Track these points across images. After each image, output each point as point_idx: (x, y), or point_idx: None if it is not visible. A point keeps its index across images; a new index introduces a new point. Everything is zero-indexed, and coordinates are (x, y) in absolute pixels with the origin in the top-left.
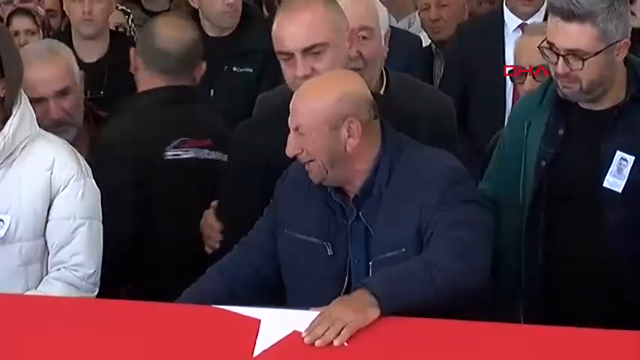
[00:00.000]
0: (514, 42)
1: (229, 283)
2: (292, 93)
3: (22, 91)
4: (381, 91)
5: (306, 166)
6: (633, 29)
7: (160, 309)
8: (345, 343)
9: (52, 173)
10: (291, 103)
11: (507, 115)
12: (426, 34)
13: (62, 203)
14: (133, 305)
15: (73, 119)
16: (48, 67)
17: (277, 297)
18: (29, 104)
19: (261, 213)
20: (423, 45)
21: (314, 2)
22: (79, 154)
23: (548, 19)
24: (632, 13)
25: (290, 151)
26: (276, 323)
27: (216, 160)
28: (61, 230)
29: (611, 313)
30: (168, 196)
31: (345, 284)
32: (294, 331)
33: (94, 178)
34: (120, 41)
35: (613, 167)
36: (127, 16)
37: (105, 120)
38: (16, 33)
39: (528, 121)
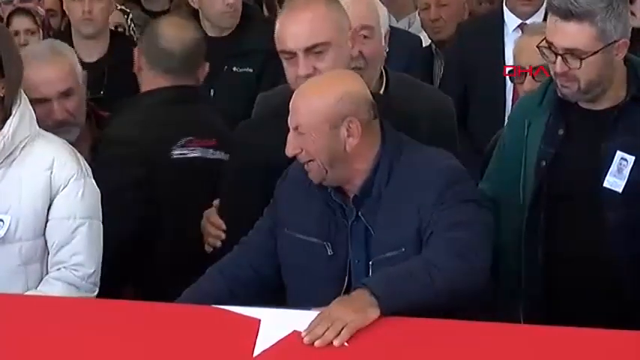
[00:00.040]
0: (514, 42)
1: (229, 283)
2: (292, 93)
3: (22, 91)
4: (381, 91)
5: (306, 165)
6: (633, 29)
7: (160, 309)
8: (346, 343)
9: (51, 173)
10: (290, 103)
11: (507, 115)
12: (425, 34)
13: (62, 203)
14: (133, 305)
15: (76, 120)
16: (51, 67)
17: (277, 297)
18: (29, 104)
19: (261, 213)
20: (423, 45)
21: (316, 2)
22: (78, 154)
23: (548, 19)
24: (632, 13)
25: (290, 151)
26: (276, 323)
27: (220, 160)
28: (61, 230)
29: (611, 313)
30: (172, 195)
31: (345, 284)
32: (294, 331)
33: (99, 176)
34: (120, 41)
35: (613, 167)
36: (125, 16)
37: (107, 120)
38: (16, 33)
39: (528, 121)
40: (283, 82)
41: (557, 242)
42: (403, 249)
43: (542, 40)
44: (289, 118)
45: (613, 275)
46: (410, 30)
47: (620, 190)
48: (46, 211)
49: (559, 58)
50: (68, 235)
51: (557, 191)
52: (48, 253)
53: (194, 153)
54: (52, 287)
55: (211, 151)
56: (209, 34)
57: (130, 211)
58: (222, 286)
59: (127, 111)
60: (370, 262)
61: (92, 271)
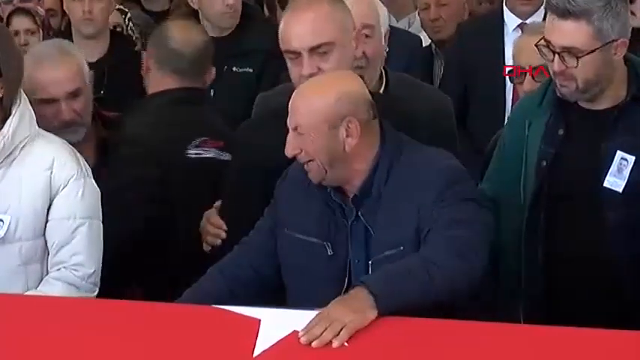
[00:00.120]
0: (514, 41)
1: (229, 283)
2: (293, 93)
3: (22, 91)
4: (381, 91)
5: (306, 165)
6: (633, 29)
7: (160, 309)
8: (345, 343)
9: (51, 173)
10: (290, 103)
11: (507, 114)
12: (425, 34)
13: (62, 203)
14: (133, 305)
15: (83, 120)
16: (60, 67)
17: (277, 297)
18: (29, 104)
19: (262, 213)
20: (423, 45)
21: (321, 2)
22: (78, 154)
23: (546, 18)
24: (632, 13)
25: (289, 151)
26: (276, 323)
27: (227, 162)
28: (61, 230)
29: (611, 313)
30: (185, 195)
31: (345, 284)
32: (294, 331)
33: (112, 176)
34: (120, 41)
35: (613, 167)
36: (123, 16)
37: (112, 120)
38: (16, 33)
39: (529, 121)
40: (283, 82)
41: (557, 242)
42: (402, 247)
43: (541, 39)
44: (288, 119)
45: (613, 275)
46: (410, 30)
47: (620, 190)
48: (45, 211)
49: (556, 56)
50: (68, 235)
51: (557, 191)
52: (48, 254)
53: (208, 153)
54: (52, 287)
55: (220, 152)
56: (209, 34)
57: (142, 211)
58: (222, 286)
59: (138, 112)
60: (370, 262)
61: (92, 271)
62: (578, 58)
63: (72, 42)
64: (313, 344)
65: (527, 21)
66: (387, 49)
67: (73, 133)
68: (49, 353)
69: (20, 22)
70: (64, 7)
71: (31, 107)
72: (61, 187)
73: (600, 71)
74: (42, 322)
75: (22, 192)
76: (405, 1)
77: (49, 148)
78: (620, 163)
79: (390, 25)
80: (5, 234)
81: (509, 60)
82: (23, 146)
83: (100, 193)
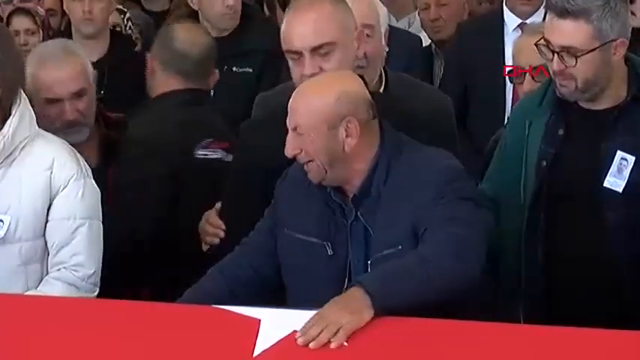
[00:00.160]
0: (514, 41)
1: (230, 283)
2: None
3: (22, 91)
4: (380, 91)
5: (305, 166)
6: (633, 29)
7: (160, 309)
8: (345, 343)
9: (51, 173)
10: (289, 103)
11: (507, 114)
12: (425, 34)
13: (62, 203)
14: (133, 305)
15: (86, 119)
16: (64, 67)
17: (277, 297)
18: (29, 104)
19: (262, 214)
20: (423, 45)
21: (322, 2)
22: (78, 154)
23: (546, 17)
24: (632, 13)
25: (289, 152)
26: (276, 323)
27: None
28: (61, 230)
29: (611, 313)
30: (192, 195)
31: (345, 284)
32: (294, 331)
33: (123, 177)
34: (120, 41)
35: (613, 167)
36: (122, 15)
37: (115, 121)
38: (16, 33)
39: (529, 121)
40: (283, 82)
41: (557, 242)
42: (400, 247)
43: (541, 38)
44: (288, 119)
45: (613, 275)
46: (410, 30)
47: (620, 190)
48: (45, 211)
49: (556, 55)
50: (68, 235)
51: (557, 191)
52: (48, 254)
53: (215, 154)
54: (52, 287)
55: (227, 153)
56: None
57: (152, 211)
58: (222, 286)
59: (143, 114)
60: (369, 261)
61: (92, 271)
62: (577, 57)
63: None
64: (310, 345)
65: (528, 21)
66: (387, 49)
67: (76, 133)
68: (49, 353)
69: (20, 22)
70: (64, 7)
71: (31, 107)
72: (61, 188)
73: (599, 71)
74: (42, 322)
75: (22, 192)
76: (405, 1)
77: (49, 148)
78: (620, 163)
79: (389, 25)
80: (5, 234)
81: (509, 60)
82: (23, 146)
83: (99, 193)
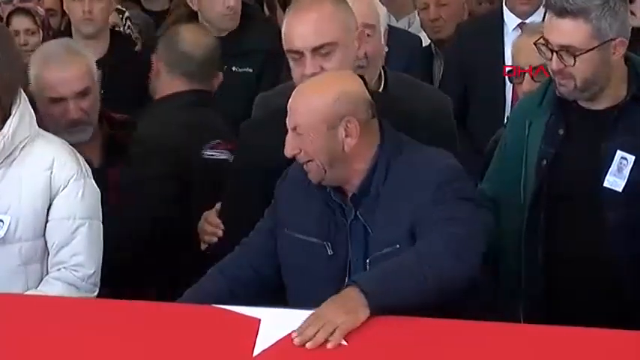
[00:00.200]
0: (513, 41)
1: (230, 283)
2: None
3: (22, 91)
4: (380, 90)
5: (305, 166)
6: (633, 29)
7: (160, 309)
8: (345, 342)
9: (51, 173)
10: (289, 103)
11: (507, 114)
12: (425, 34)
13: (62, 203)
14: (133, 305)
15: (90, 119)
16: (69, 67)
17: (277, 297)
18: (29, 104)
19: (262, 214)
20: (423, 45)
21: (324, 2)
22: (78, 154)
23: (545, 16)
24: (632, 13)
25: (288, 152)
26: (276, 323)
27: None
28: (61, 230)
29: (611, 313)
30: (201, 195)
31: (345, 284)
32: (294, 331)
33: (131, 177)
34: (120, 41)
35: (613, 167)
36: (120, 15)
37: (119, 121)
38: (16, 33)
39: (529, 121)
40: (283, 82)
41: (557, 242)
42: (398, 246)
43: (540, 38)
44: (287, 119)
45: (613, 275)
46: (410, 30)
47: (620, 189)
48: (45, 211)
49: (554, 55)
50: (68, 235)
51: (557, 191)
52: (48, 254)
53: (222, 155)
54: (52, 287)
55: (233, 154)
56: None
57: (156, 210)
58: (222, 286)
59: (149, 115)
60: (367, 260)
61: (92, 272)
62: (575, 56)
63: None
64: (307, 345)
65: (527, 21)
66: (387, 49)
67: (81, 132)
68: (49, 353)
69: (20, 22)
70: (64, 7)
71: (31, 107)
72: (61, 188)
73: (598, 70)
74: (42, 322)
75: (22, 192)
76: (404, 1)
77: (48, 148)
78: (620, 163)
79: (389, 25)
80: (5, 234)
81: (509, 60)
82: (23, 146)
83: (99, 193)
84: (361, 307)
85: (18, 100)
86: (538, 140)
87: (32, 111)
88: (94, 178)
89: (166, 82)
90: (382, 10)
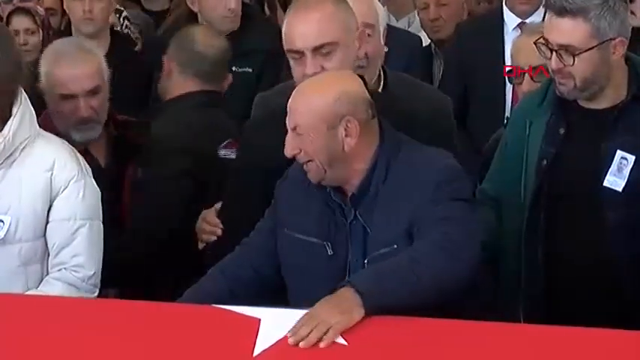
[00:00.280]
0: (512, 41)
1: (230, 283)
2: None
3: (23, 91)
4: (379, 90)
5: (305, 166)
6: (633, 28)
7: (160, 309)
8: (345, 343)
9: (52, 174)
10: (289, 103)
11: (507, 114)
12: (425, 34)
13: (63, 204)
14: (133, 305)
15: (99, 117)
16: (80, 65)
17: (277, 297)
18: (30, 104)
19: (262, 214)
20: (423, 44)
21: (324, 2)
22: (78, 155)
23: (545, 16)
24: (632, 12)
25: (288, 152)
26: (276, 323)
27: None
28: (62, 231)
29: (611, 313)
30: (216, 194)
31: (340, 284)
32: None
33: (148, 177)
34: (120, 41)
35: (613, 166)
36: (118, 15)
37: (122, 122)
38: (16, 32)
39: (530, 121)
40: (283, 82)
41: (557, 242)
42: (395, 246)
43: (540, 37)
44: (287, 119)
45: (613, 275)
46: (409, 29)
47: (620, 189)
48: (45, 212)
49: (554, 54)
50: (69, 236)
51: (557, 191)
52: (48, 254)
53: (234, 155)
54: (52, 287)
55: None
56: None
57: (175, 210)
58: (223, 286)
59: (161, 115)
60: (366, 261)
61: (92, 272)
62: (575, 56)
63: None
64: (300, 345)
65: (527, 20)
66: (387, 49)
67: (90, 129)
68: (49, 353)
69: (20, 22)
70: (64, 7)
71: (32, 107)
72: (62, 189)
73: (598, 69)
74: (42, 322)
75: (22, 193)
76: (404, 1)
77: (49, 149)
78: (620, 163)
79: (389, 25)
80: (5, 235)
81: (509, 60)
82: (23, 147)
83: (100, 194)
84: (356, 307)
85: (18, 101)
86: (538, 140)
87: (33, 111)
88: (101, 177)
89: (179, 83)
90: (381, 9)
